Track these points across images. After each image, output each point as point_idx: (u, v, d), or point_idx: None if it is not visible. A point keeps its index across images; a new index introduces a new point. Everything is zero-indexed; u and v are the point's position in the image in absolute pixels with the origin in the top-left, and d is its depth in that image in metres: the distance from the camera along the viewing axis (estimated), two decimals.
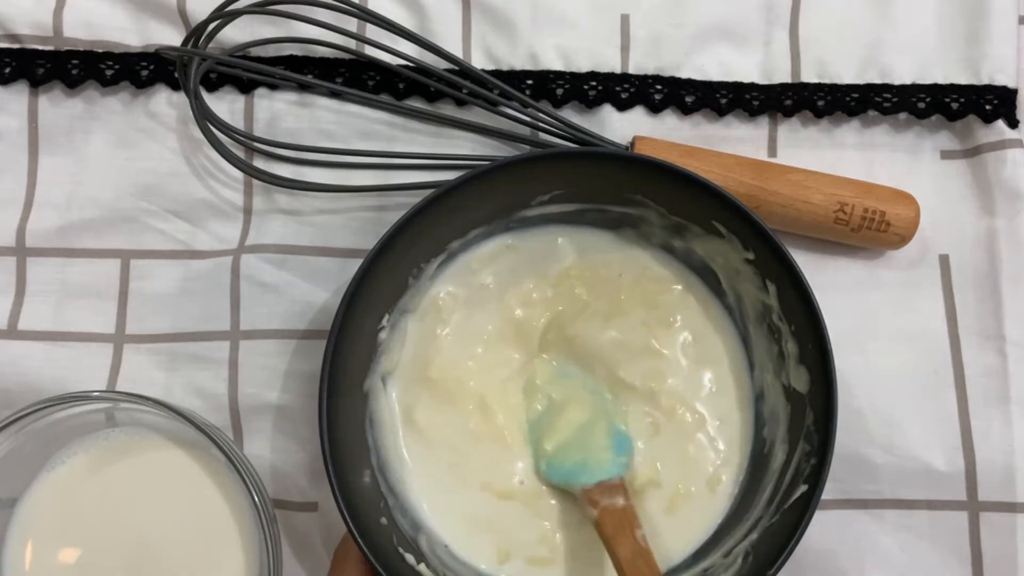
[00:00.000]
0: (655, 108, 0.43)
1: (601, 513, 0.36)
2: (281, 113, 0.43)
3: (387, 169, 0.43)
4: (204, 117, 0.41)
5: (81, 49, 0.43)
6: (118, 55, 0.43)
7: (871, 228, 0.41)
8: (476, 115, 0.43)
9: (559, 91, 0.43)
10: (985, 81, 0.43)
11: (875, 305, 0.42)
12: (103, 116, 0.44)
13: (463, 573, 0.37)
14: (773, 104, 0.43)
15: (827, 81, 0.43)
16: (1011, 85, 0.43)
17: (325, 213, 0.43)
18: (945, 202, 0.43)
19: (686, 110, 0.43)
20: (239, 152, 0.43)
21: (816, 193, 0.41)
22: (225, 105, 0.44)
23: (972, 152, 0.43)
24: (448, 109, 0.44)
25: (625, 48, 0.44)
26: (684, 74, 0.43)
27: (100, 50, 0.43)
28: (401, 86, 0.43)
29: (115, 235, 0.43)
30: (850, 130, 0.44)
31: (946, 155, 0.44)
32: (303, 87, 0.43)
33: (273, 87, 0.43)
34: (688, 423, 0.40)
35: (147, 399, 0.35)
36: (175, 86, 0.43)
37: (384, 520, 0.36)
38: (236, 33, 0.43)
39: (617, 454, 0.38)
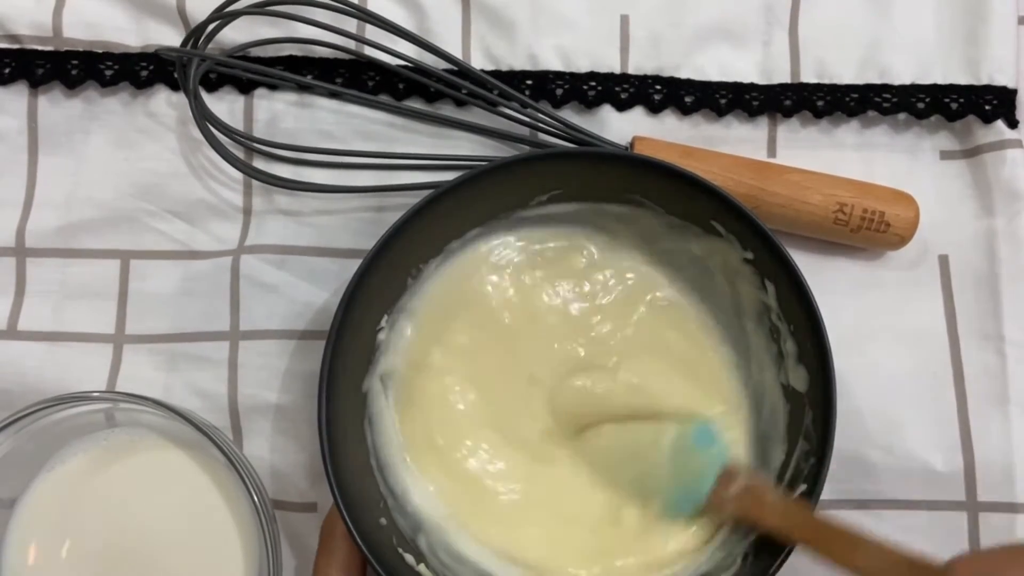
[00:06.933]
0: (654, 108, 0.43)
1: (734, 509, 0.36)
2: (281, 114, 0.43)
3: (387, 169, 0.43)
4: (204, 117, 0.41)
5: (81, 49, 0.43)
6: (118, 55, 0.43)
7: (870, 228, 0.41)
8: (475, 115, 0.43)
9: (558, 91, 0.43)
10: (984, 81, 0.43)
11: (874, 305, 0.42)
12: (103, 116, 0.44)
13: (463, 573, 0.37)
14: (772, 104, 0.43)
15: (826, 81, 0.43)
16: (1010, 85, 0.43)
17: (325, 213, 0.43)
18: (944, 202, 0.43)
19: (685, 110, 0.43)
20: (239, 152, 0.43)
21: (815, 193, 0.41)
22: (225, 105, 0.44)
23: (971, 152, 0.43)
24: (448, 110, 0.44)
25: (624, 48, 0.44)
26: (683, 74, 0.43)
27: (100, 50, 0.43)
28: (401, 86, 0.43)
29: (115, 235, 0.43)
30: (849, 130, 0.44)
31: (945, 155, 0.44)
32: (303, 87, 0.43)
33: (273, 87, 0.44)
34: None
35: (147, 399, 0.35)
36: (175, 86, 0.43)
37: (384, 520, 0.36)
38: (236, 34, 0.43)
39: (706, 447, 0.38)
